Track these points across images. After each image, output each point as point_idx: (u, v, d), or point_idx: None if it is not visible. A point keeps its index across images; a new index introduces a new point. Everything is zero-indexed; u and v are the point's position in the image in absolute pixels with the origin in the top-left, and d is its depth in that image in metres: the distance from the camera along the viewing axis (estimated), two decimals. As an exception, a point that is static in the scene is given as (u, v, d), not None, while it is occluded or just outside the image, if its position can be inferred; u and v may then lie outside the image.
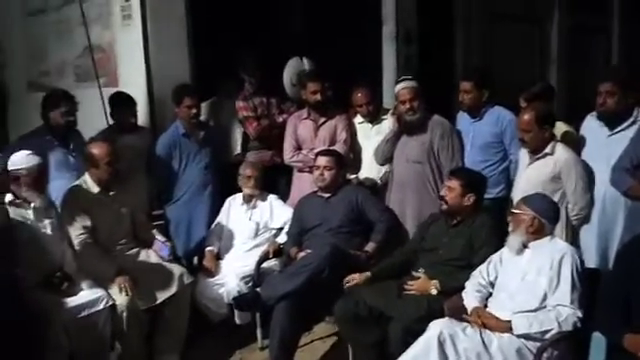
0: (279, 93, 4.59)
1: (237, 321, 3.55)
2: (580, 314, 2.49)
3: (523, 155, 3.40)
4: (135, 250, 3.47)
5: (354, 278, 3.18)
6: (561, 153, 3.24)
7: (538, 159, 3.27)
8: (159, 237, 3.54)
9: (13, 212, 2.92)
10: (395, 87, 3.75)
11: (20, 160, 2.99)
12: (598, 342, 2.32)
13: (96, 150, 3.31)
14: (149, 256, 3.47)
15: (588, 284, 2.60)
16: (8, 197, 2.96)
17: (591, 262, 3.15)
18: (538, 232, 2.70)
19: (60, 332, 2.89)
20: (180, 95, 3.98)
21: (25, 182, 2.98)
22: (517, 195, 3.19)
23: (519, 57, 6.66)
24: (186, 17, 4.46)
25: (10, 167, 2.97)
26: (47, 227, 3.07)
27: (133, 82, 4.59)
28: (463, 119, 3.81)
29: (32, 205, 3.01)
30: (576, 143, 3.44)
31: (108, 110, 4.20)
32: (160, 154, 3.98)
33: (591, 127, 3.37)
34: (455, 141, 3.67)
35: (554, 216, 2.75)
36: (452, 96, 3.86)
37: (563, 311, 2.50)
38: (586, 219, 3.26)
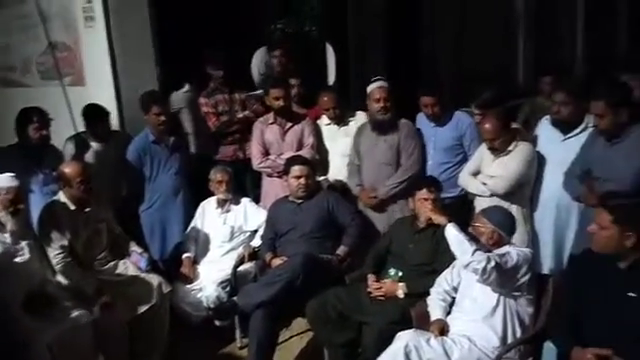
0: (245, 89, 4.70)
1: (217, 323, 3.70)
2: (492, 265, 2.61)
3: (483, 149, 3.56)
4: (113, 263, 3.55)
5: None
6: (522, 149, 3.43)
7: (501, 157, 3.45)
8: (136, 249, 3.62)
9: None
10: (369, 87, 3.84)
11: None
12: (550, 352, 2.52)
13: (68, 169, 3.34)
14: (127, 268, 3.55)
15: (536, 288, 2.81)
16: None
17: (547, 264, 3.37)
18: (497, 243, 2.87)
19: (44, 352, 2.98)
20: (147, 103, 4.01)
21: (2, 204, 3.03)
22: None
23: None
24: (150, 19, 4.45)
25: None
26: (25, 249, 3.12)
27: (100, 82, 4.59)
28: (423, 122, 3.93)
29: (8, 228, 3.06)
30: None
31: (73, 109, 4.23)
32: (131, 161, 4.04)
33: (545, 130, 3.53)
34: (418, 143, 3.82)
35: (511, 228, 2.93)
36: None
37: (481, 255, 2.66)
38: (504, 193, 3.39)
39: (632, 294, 2.23)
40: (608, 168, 3.04)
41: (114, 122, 4.40)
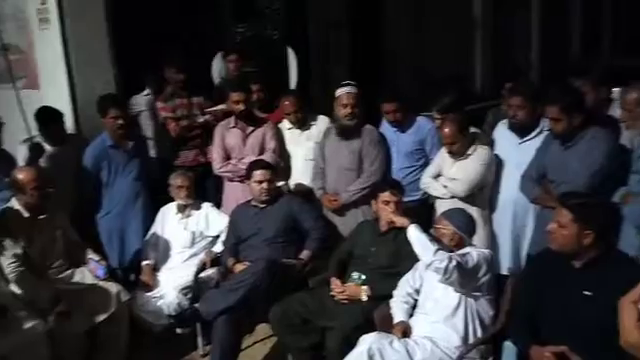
0: (205, 93, 4.66)
1: (178, 331, 3.63)
2: (453, 264, 2.65)
3: (444, 153, 3.61)
4: (69, 271, 3.46)
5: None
6: (480, 153, 3.50)
7: (460, 160, 3.52)
8: (93, 256, 3.53)
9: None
10: (337, 90, 3.82)
11: None
12: (509, 351, 2.57)
13: (21, 175, 3.24)
14: (84, 276, 3.46)
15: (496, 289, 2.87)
16: None
17: (506, 264, 3.44)
18: (458, 245, 2.92)
19: (-3, 365, 2.89)
20: (105, 106, 3.91)
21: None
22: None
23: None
24: (106, 21, 4.35)
25: None
26: (-25, 258, 3.02)
27: (55, 85, 4.46)
28: (386, 128, 3.98)
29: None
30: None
31: (25, 111, 4.11)
32: (88, 166, 3.93)
33: (502, 134, 3.61)
34: (381, 150, 3.80)
35: (471, 230, 2.98)
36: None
37: (443, 255, 2.69)
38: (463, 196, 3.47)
39: (587, 292, 2.29)
40: (562, 171, 3.12)
41: (70, 126, 4.30)
